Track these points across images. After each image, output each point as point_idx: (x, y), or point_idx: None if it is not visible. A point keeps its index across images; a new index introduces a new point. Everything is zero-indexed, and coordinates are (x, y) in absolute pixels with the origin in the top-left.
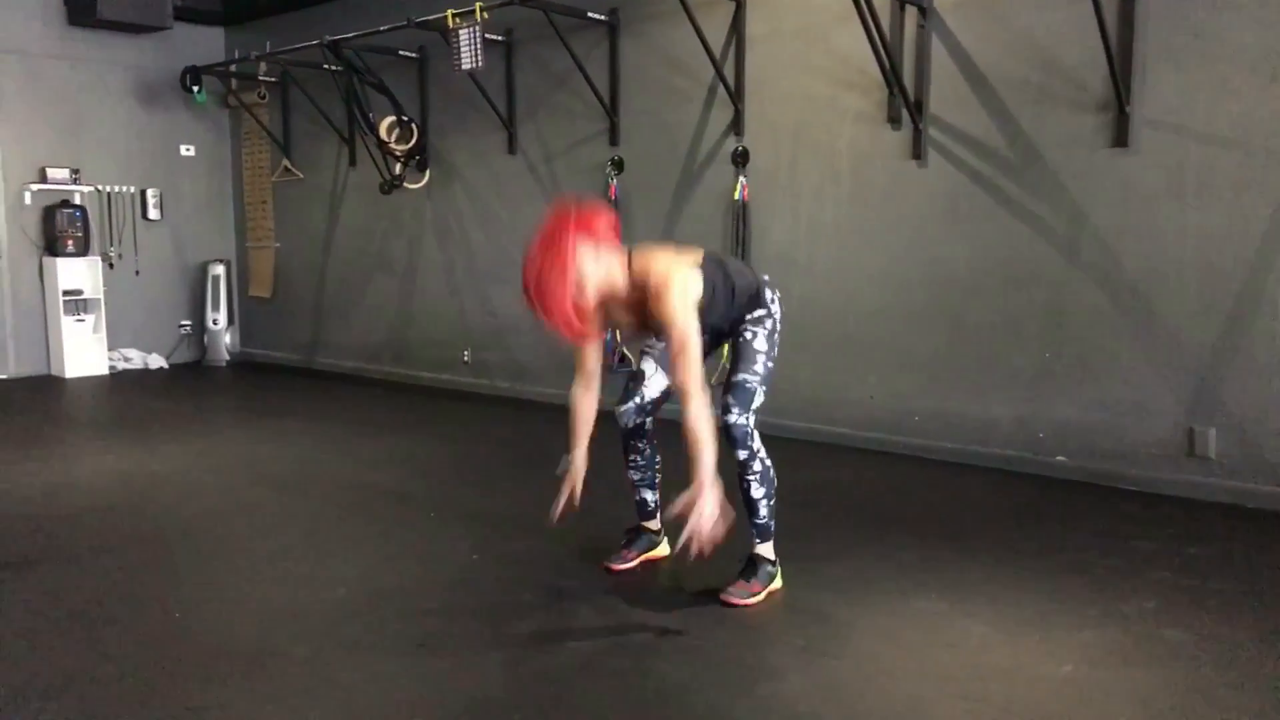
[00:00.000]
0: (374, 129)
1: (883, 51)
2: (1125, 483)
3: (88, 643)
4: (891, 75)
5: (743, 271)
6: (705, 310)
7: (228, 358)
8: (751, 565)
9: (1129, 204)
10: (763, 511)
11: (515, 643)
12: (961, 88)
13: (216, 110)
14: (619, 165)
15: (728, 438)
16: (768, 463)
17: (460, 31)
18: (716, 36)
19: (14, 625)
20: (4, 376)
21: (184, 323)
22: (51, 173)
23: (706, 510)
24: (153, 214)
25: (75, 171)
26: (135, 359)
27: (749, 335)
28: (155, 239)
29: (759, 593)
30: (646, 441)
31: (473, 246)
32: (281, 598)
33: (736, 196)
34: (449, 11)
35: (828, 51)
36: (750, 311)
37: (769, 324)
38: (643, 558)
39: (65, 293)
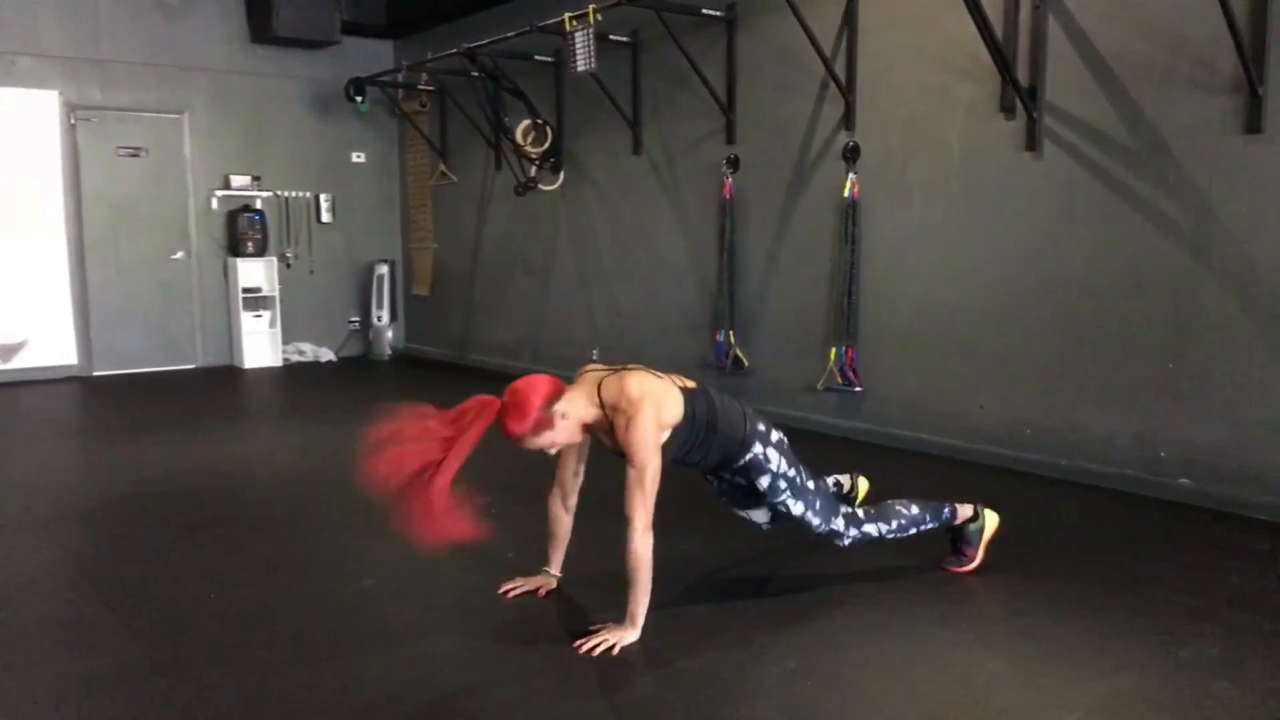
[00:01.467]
0: (509, 132)
1: (995, 35)
2: (1256, 511)
3: (266, 588)
4: (1004, 61)
5: (731, 413)
6: (685, 437)
7: (390, 352)
8: (955, 538)
9: (1263, 197)
10: (931, 526)
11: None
12: (1079, 72)
13: (385, 118)
14: (734, 164)
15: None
16: (882, 525)
17: (576, 34)
18: (829, 27)
19: (208, 568)
20: (192, 366)
21: (353, 319)
22: (235, 180)
23: (620, 643)
24: (325, 217)
25: (256, 178)
26: (308, 352)
27: (763, 485)
28: (328, 240)
29: (974, 556)
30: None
31: (601, 246)
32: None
33: (846, 194)
34: (566, 15)
35: (939, 38)
36: (736, 460)
37: (777, 479)
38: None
39: (245, 290)
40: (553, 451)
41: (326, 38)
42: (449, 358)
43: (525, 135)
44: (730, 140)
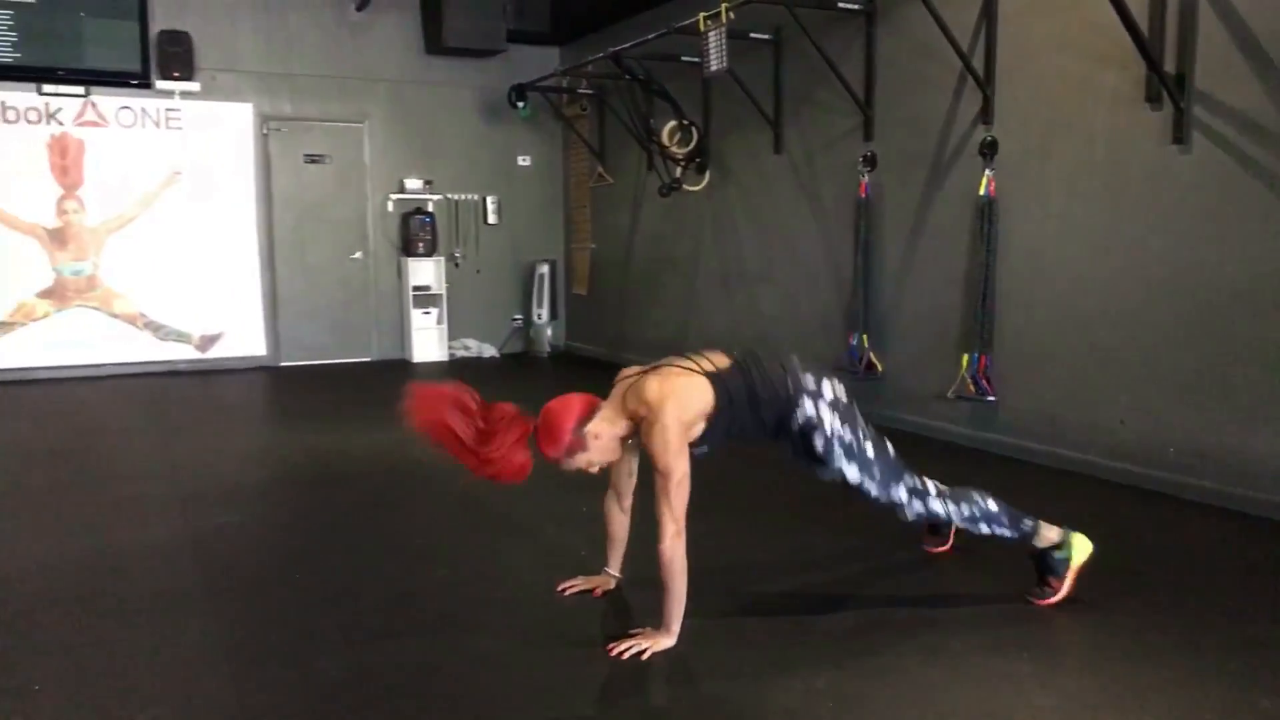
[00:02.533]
0: (654, 134)
1: (1137, 18)
2: None
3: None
4: (1149, 46)
5: (772, 383)
6: (724, 423)
7: (549, 350)
8: (1040, 565)
9: None
10: (1006, 534)
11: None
12: (1232, 57)
13: (550, 122)
14: (871, 161)
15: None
16: (952, 505)
17: (709, 35)
18: (969, 16)
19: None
20: (368, 359)
21: (516, 316)
22: (408, 183)
23: (655, 648)
24: (491, 219)
25: (428, 182)
26: (473, 348)
27: (818, 447)
28: (494, 241)
29: (1060, 588)
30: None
31: (743, 247)
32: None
33: (982, 192)
34: (700, 15)
35: (1082, 22)
36: (792, 425)
37: (832, 443)
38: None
39: (415, 289)
40: (594, 470)
41: (493, 46)
42: (604, 356)
43: (671, 136)
44: (868, 137)
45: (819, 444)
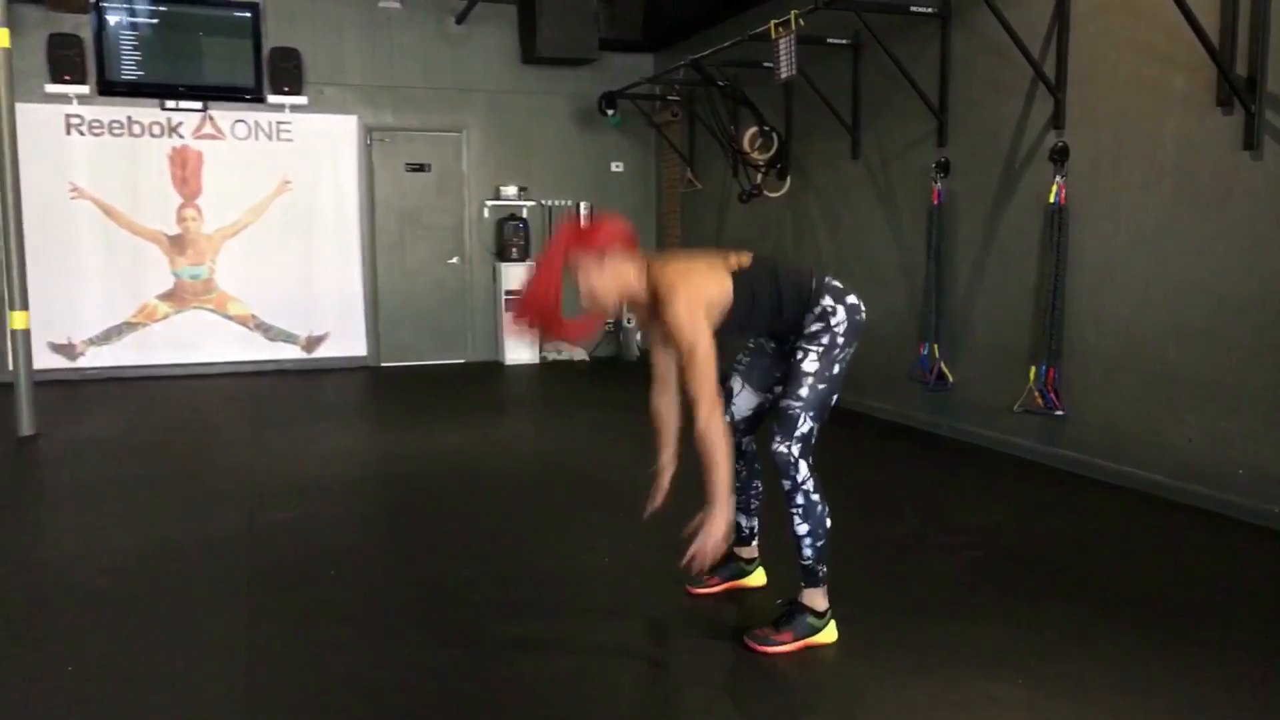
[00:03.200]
0: (733, 140)
1: (1201, 20)
2: None
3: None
4: (1218, 48)
5: (795, 279)
6: (742, 316)
7: (638, 354)
8: (790, 613)
9: None
10: (806, 551)
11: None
12: None
13: (644, 129)
14: (944, 168)
15: (772, 465)
16: (814, 498)
17: (779, 42)
18: (1040, 18)
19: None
20: (462, 360)
21: (607, 321)
22: (504, 190)
23: (714, 532)
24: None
25: (523, 189)
26: (564, 351)
27: (799, 355)
28: None
29: (786, 643)
30: (744, 463)
31: (822, 254)
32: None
33: (1052, 199)
34: (772, 23)
35: (1153, 23)
36: (805, 323)
37: (825, 340)
38: (727, 585)
39: (508, 292)
40: (585, 304)
41: (586, 55)
42: None
43: (751, 142)
44: (941, 143)
45: (815, 327)
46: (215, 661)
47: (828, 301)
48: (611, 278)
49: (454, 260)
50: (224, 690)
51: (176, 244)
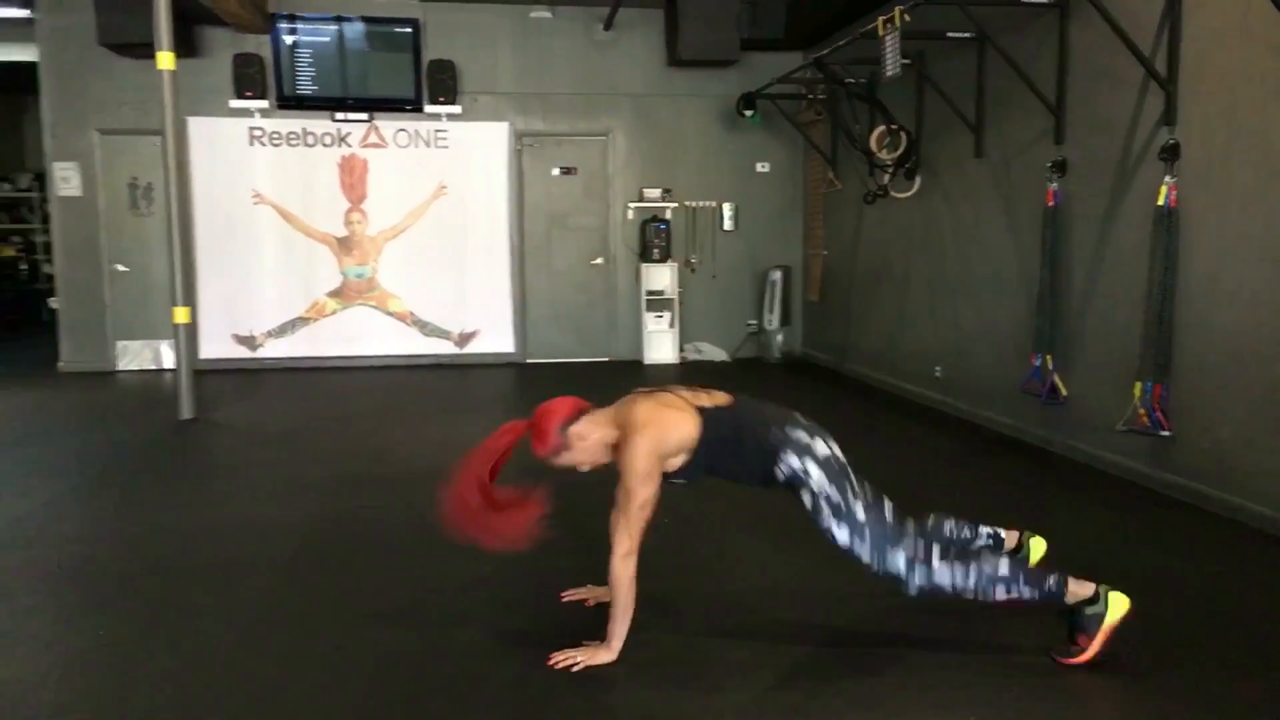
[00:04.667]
0: (856, 139)
1: None
2: None
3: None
4: None
5: (755, 431)
6: (706, 458)
7: (779, 356)
8: (1071, 620)
9: None
10: (1026, 593)
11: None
12: None
13: (790, 129)
14: (1060, 168)
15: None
16: (958, 575)
17: (886, 38)
18: (1152, 4)
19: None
20: (606, 359)
21: (750, 322)
22: (647, 192)
23: (596, 660)
24: (728, 225)
25: (667, 191)
26: (705, 351)
27: (806, 503)
28: (730, 247)
29: (1088, 645)
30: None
31: (947, 257)
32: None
33: (1161, 202)
34: (880, 19)
35: (1270, 13)
36: (779, 479)
37: (823, 504)
38: None
39: (649, 293)
40: (585, 469)
41: (728, 57)
42: (827, 363)
43: (879, 141)
44: (1058, 141)
45: (807, 501)
46: (247, 637)
47: (794, 462)
48: (583, 451)
49: (599, 261)
50: (250, 668)
51: (344, 245)
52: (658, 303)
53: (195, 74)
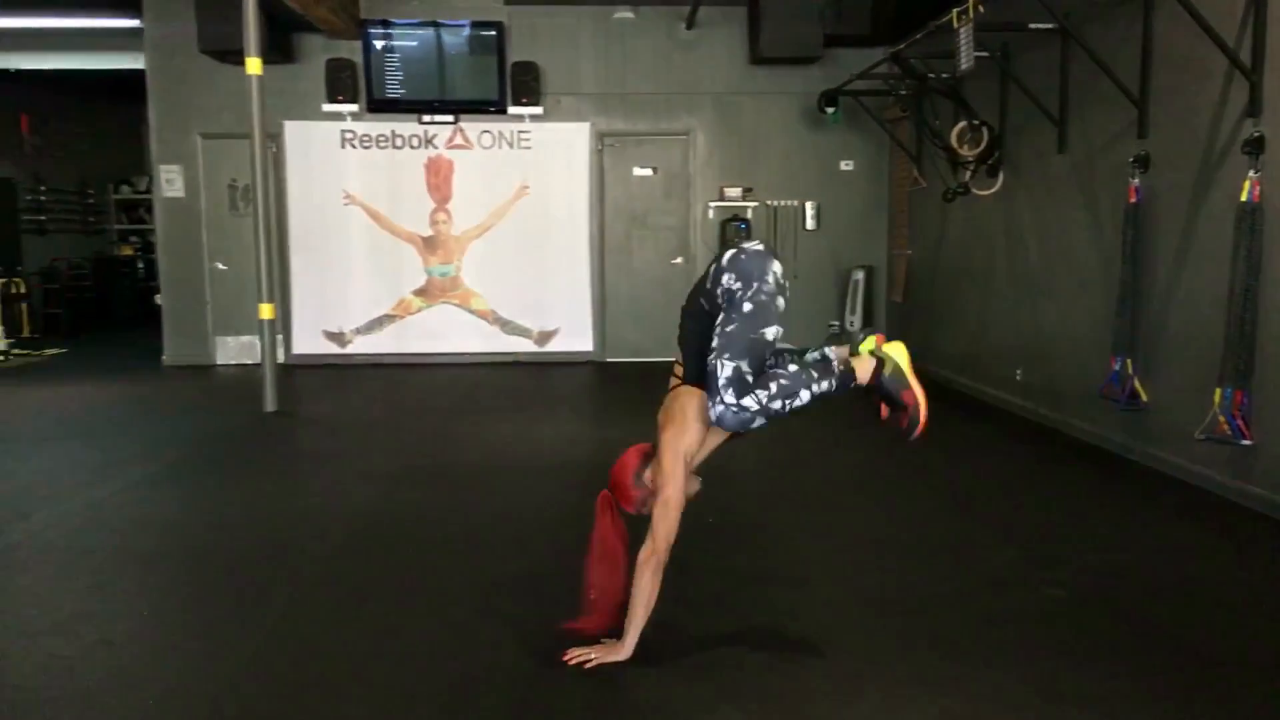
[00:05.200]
0: (939, 136)
1: None
2: None
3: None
4: None
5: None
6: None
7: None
8: (884, 400)
9: None
10: (821, 384)
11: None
12: None
13: (875, 125)
14: (1143, 163)
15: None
16: (764, 395)
17: (960, 31)
18: None
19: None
20: None
21: (832, 323)
22: (727, 191)
23: (610, 658)
24: (809, 224)
25: (748, 189)
26: None
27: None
28: (811, 246)
29: (912, 402)
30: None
31: (1029, 255)
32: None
33: (1244, 198)
34: (954, 11)
35: None
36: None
37: (722, 280)
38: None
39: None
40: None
41: (810, 54)
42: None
43: (960, 137)
44: (1141, 135)
45: (724, 280)
46: (270, 622)
47: (719, 280)
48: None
49: (678, 260)
50: (260, 652)
51: (429, 245)
52: None
53: (292, 79)
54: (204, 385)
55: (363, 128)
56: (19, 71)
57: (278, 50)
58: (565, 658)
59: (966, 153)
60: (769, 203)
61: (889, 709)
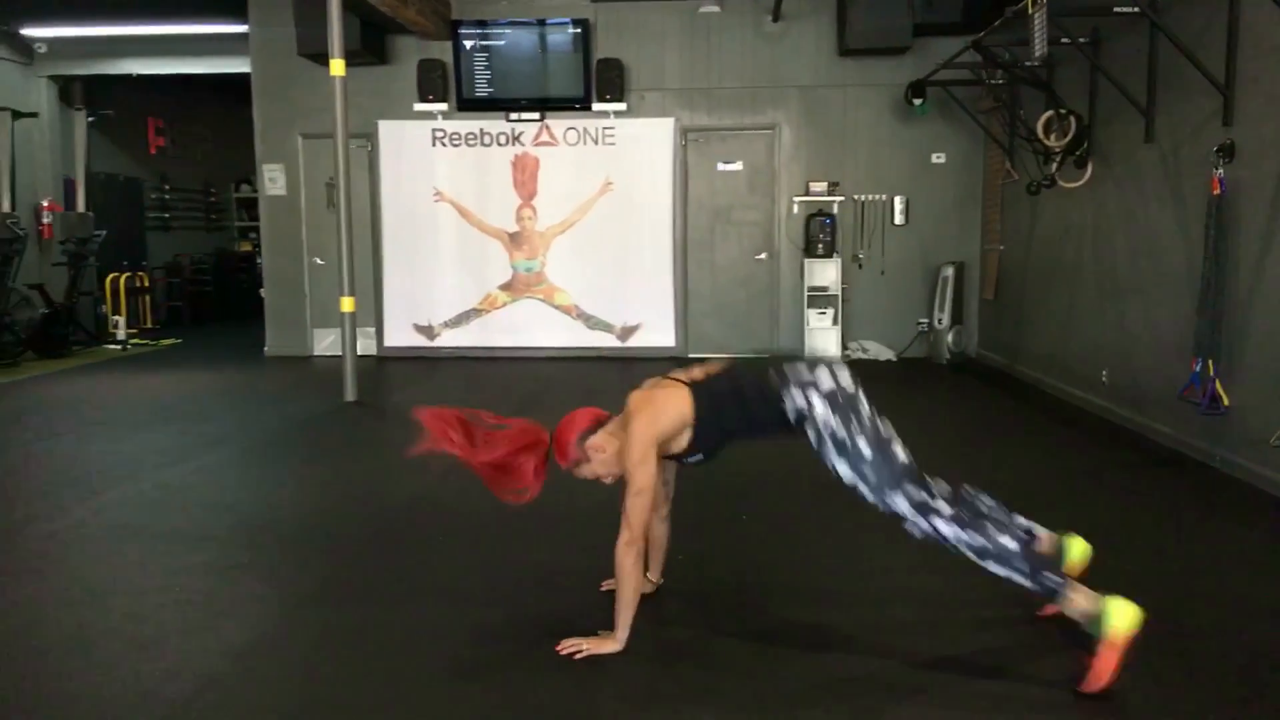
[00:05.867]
0: (1022, 126)
1: None
2: None
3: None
4: None
5: (753, 376)
6: (711, 428)
7: (949, 357)
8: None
9: None
10: (1020, 581)
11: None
12: None
13: (969, 117)
14: (1228, 152)
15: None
16: (961, 531)
17: (1034, 17)
18: None
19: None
20: (767, 355)
21: (921, 320)
22: (814, 186)
23: (600, 650)
24: (898, 219)
25: (834, 184)
26: (870, 350)
27: (812, 441)
28: (900, 242)
29: (1103, 671)
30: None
31: (1116, 252)
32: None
33: None
34: None
35: None
36: (789, 410)
37: (829, 441)
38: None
39: (811, 289)
40: (608, 482)
41: (898, 44)
42: (1001, 366)
43: (1046, 128)
44: (1226, 122)
45: (812, 437)
46: (309, 602)
47: (797, 399)
48: (602, 464)
49: (762, 256)
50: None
51: (515, 240)
52: (821, 299)
53: (387, 80)
54: (297, 375)
55: (452, 126)
56: (144, 76)
57: (372, 53)
58: (558, 648)
59: (1053, 143)
60: (855, 197)
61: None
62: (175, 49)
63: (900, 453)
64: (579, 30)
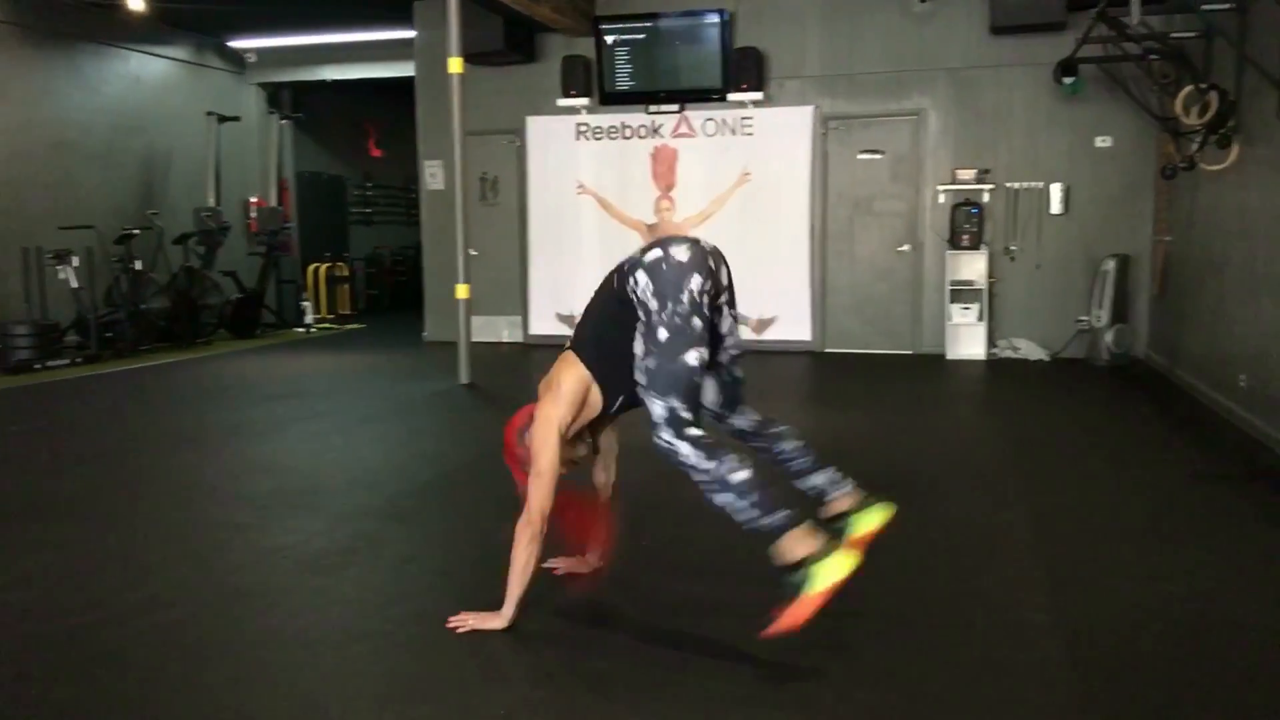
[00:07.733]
0: (1157, 105)
1: None
2: None
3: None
4: None
5: (607, 290)
6: (609, 371)
7: (1107, 358)
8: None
9: None
10: (740, 518)
11: None
12: None
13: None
14: None
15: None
16: (708, 465)
17: None
18: None
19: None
20: (909, 352)
21: (1081, 318)
22: (960, 174)
23: (488, 624)
24: (1055, 208)
25: (984, 172)
26: (1022, 349)
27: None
28: (1058, 232)
29: (789, 614)
30: (759, 441)
31: (1254, 240)
32: None
33: None
34: None
35: None
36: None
37: (640, 315)
38: (861, 541)
39: (953, 283)
40: (563, 472)
41: (1053, 19)
42: (1163, 369)
43: (1185, 105)
44: None
45: (642, 317)
46: (308, 576)
47: (630, 282)
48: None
49: (904, 248)
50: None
51: (653, 231)
52: (965, 293)
53: (535, 77)
54: (437, 359)
55: (595, 120)
56: (347, 81)
57: (520, 51)
58: (448, 623)
59: (1193, 121)
60: (1007, 185)
61: None
62: (362, 55)
63: (692, 359)
64: (719, 20)
